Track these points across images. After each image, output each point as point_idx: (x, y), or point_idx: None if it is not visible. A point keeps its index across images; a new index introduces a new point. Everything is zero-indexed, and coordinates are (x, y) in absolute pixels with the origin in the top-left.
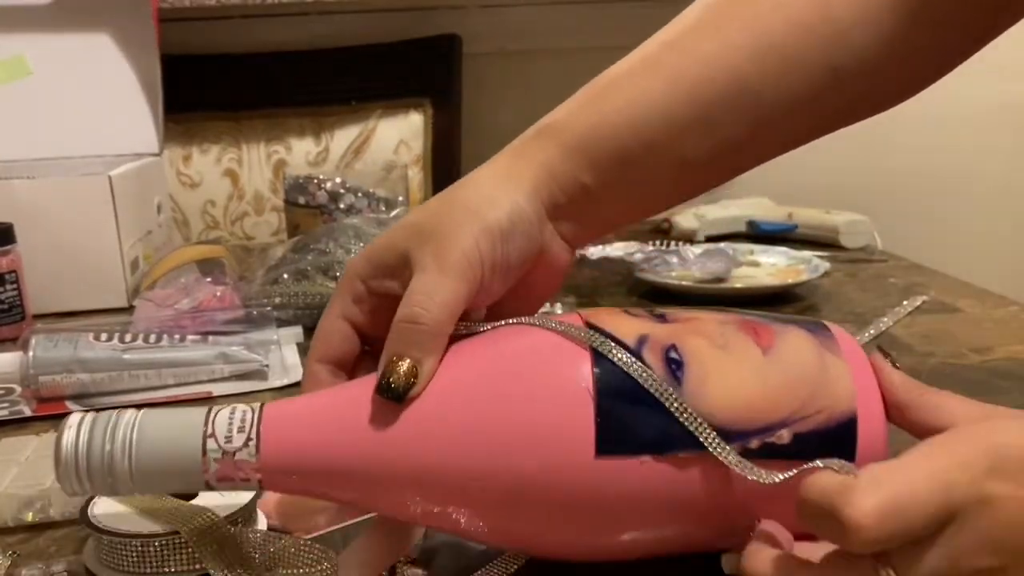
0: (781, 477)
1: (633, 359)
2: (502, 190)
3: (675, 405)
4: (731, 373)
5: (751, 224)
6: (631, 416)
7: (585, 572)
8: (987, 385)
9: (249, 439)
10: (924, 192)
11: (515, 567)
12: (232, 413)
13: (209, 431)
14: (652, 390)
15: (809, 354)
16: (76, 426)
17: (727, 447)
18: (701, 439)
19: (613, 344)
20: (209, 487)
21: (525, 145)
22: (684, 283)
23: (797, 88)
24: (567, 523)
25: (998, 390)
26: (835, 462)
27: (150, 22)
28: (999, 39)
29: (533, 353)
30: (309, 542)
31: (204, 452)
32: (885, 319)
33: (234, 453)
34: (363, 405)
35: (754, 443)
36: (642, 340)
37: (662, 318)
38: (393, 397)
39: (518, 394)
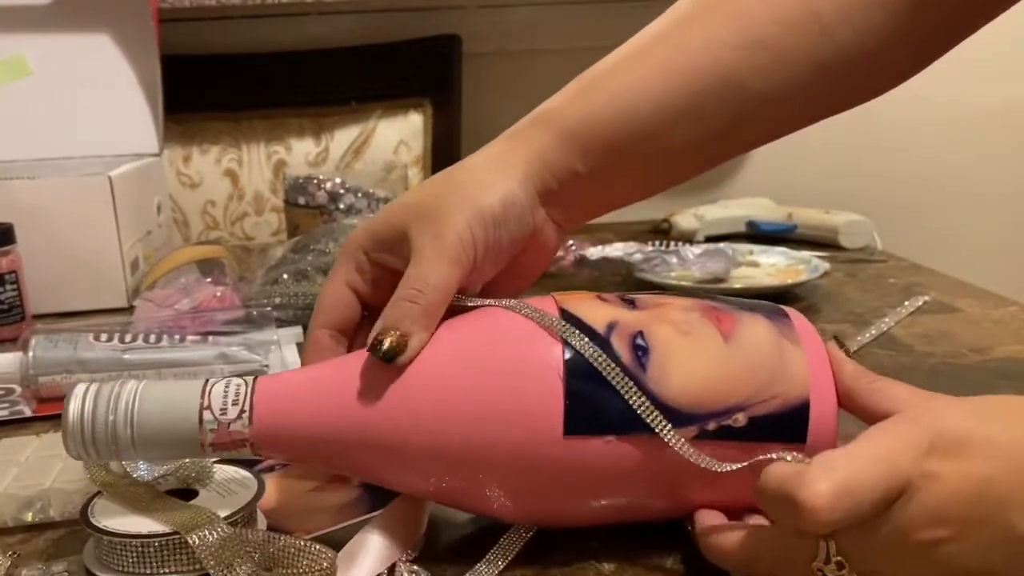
0: (731, 467)
1: (599, 350)
2: (497, 176)
3: (633, 397)
4: (693, 359)
5: (751, 224)
6: (597, 399)
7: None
8: (986, 385)
9: (243, 411)
10: (924, 192)
11: (520, 544)
12: (227, 386)
13: (205, 403)
14: (613, 381)
15: (767, 342)
16: (81, 396)
17: (676, 436)
18: (655, 428)
19: (581, 333)
20: (206, 454)
21: (520, 132)
22: (684, 283)
23: (783, 82)
24: (537, 494)
25: (997, 390)
26: (788, 454)
27: (150, 22)
28: (1000, 40)
29: (510, 337)
30: (309, 542)
31: (200, 422)
32: (885, 319)
33: (228, 424)
34: (350, 379)
35: (711, 425)
36: (611, 326)
37: (632, 304)
38: (383, 358)
39: (494, 373)
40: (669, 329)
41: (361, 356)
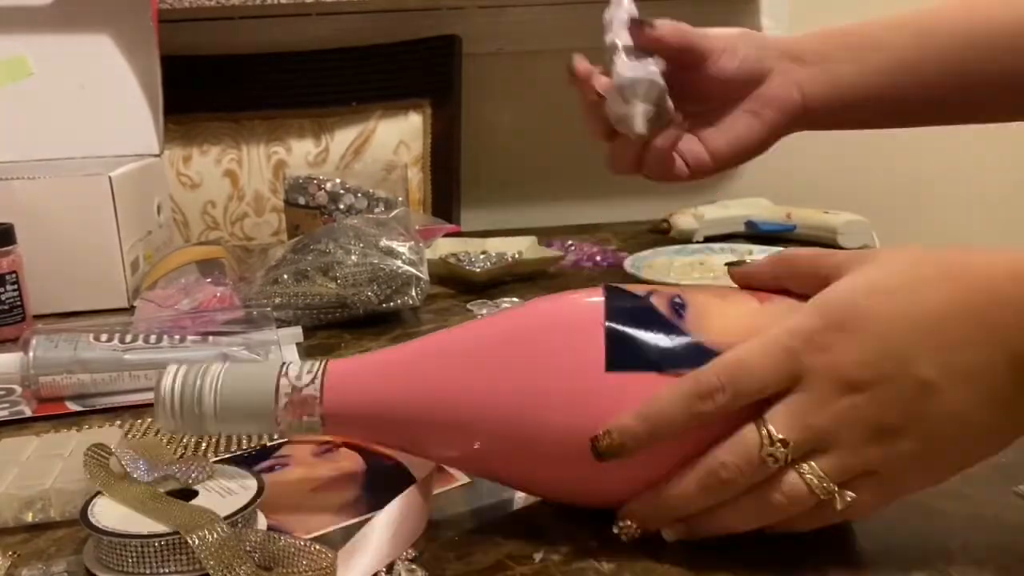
0: None
1: (638, 299)
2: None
3: (673, 335)
4: (728, 313)
5: (750, 224)
6: (637, 338)
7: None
8: None
9: (315, 379)
10: (923, 192)
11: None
12: (302, 364)
13: (283, 372)
14: (652, 321)
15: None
16: (173, 372)
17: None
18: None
19: (621, 288)
20: (278, 425)
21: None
22: (684, 282)
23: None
24: (581, 439)
25: None
26: None
27: (150, 22)
28: None
29: (553, 300)
30: (309, 542)
31: (277, 390)
32: None
33: (301, 390)
34: (412, 359)
35: None
36: (651, 292)
37: (671, 287)
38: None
39: (538, 328)
40: (706, 293)
41: (424, 341)
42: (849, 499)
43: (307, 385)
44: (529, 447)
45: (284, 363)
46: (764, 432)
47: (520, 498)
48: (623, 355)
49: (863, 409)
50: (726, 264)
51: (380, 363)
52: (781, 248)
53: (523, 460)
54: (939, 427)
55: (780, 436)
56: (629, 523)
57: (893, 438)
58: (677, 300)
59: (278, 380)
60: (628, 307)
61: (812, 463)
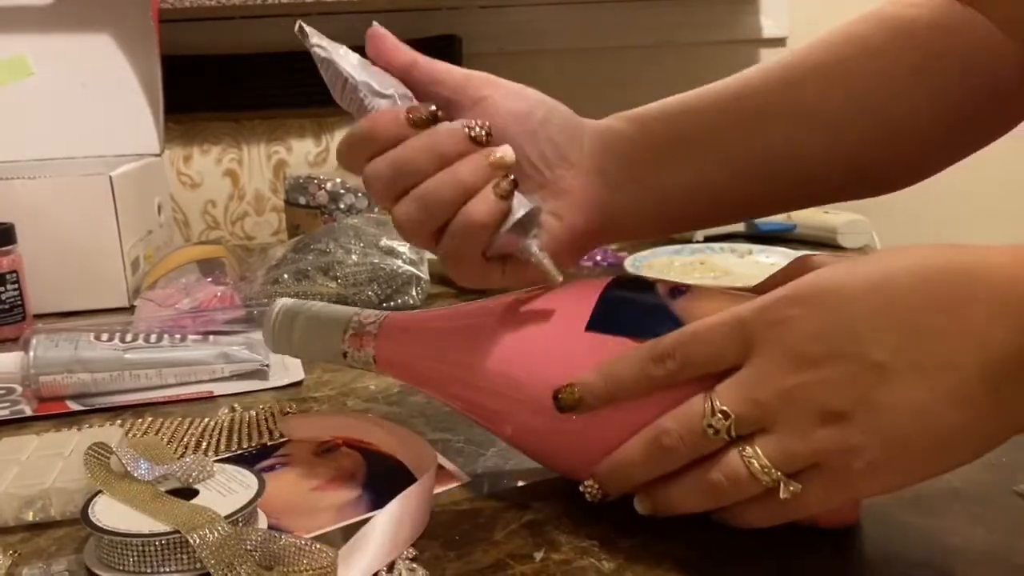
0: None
1: (647, 279)
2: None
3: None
4: (724, 302)
5: (750, 224)
6: (623, 306)
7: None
8: None
9: (375, 322)
10: (923, 192)
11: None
12: (373, 312)
13: (357, 313)
14: (649, 295)
15: None
16: (279, 305)
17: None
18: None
19: (631, 273)
20: (344, 352)
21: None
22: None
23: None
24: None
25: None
26: None
27: (150, 22)
28: None
29: (573, 284)
30: (309, 541)
31: (349, 321)
32: None
33: (366, 325)
34: (456, 318)
35: None
36: (660, 280)
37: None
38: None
39: (552, 294)
40: (715, 290)
41: (459, 308)
42: (792, 489)
43: (370, 323)
44: (518, 398)
45: (361, 310)
46: (708, 403)
47: (520, 497)
48: (604, 318)
49: (810, 388)
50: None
51: (422, 320)
52: (782, 248)
53: (515, 412)
54: (891, 419)
55: (723, 407)
56: (593, 483)
57: (838, 423)
58: (681, 288)
59: (350, 318)
60: (630, 281)
61: (756, 448)
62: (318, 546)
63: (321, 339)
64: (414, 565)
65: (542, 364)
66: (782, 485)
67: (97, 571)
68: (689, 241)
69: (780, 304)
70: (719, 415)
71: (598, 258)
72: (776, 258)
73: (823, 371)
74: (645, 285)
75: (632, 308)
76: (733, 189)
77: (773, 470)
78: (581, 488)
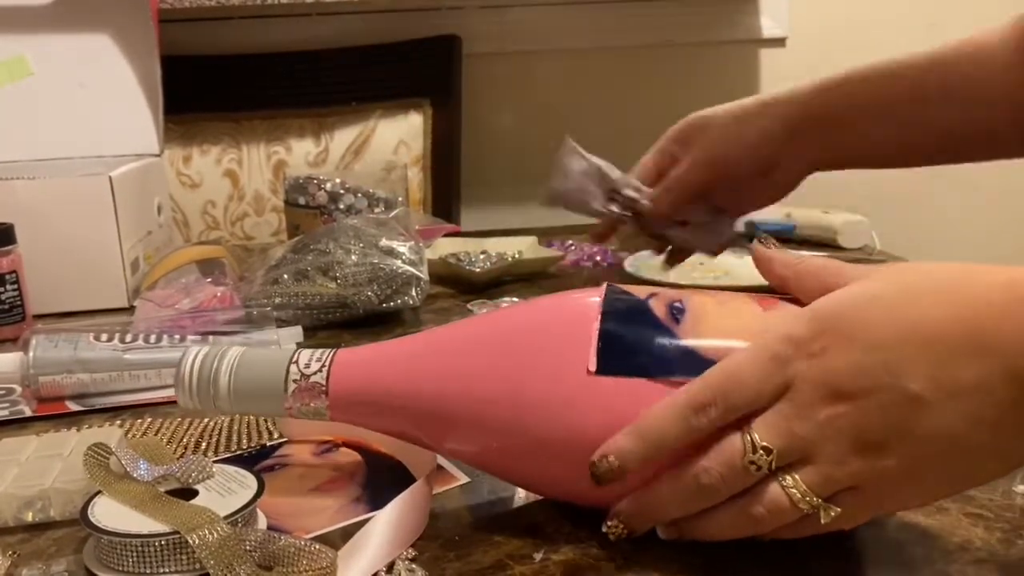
0: None
1: (636, 301)
2: (756, 113)
3: (666, 341)
4: (727, 320)
5: (749, 224)
6: (629, 341)
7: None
8: None
9: (323, 367)
10: (923, 192)
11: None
12: (313, 353)
13: (294, 359)
14: (647, 326)
15: None
16: (194, 353)
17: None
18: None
19: (622, 291)
20: (287, 407)
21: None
22: (683, 282)
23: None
24: (567, 442)
25: None
26: None
27: (150, 22)
28: None
29: (552, 298)
30: (309, 542)
31: (287, 375)
32: None
33: (310, 377)
34: (412, 350)
35: None
36: (652, 295)
37: (674, 287)
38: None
39: (537, 326)
40: (707, 298)
41: (427, 335)
42: (833, 514)
43: (315, 373)
44: (521, 446)
45: (296, 351)
46: (748, 439)
47: (520, 498)
48: (612, 359)
49: (848, 418)
50: (756, 240)
51: (384, 355)
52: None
53: (517, 458)
54: (926, 446)
55: (763, 443)
56: (616, 523)
57: (877, 453)
58: (677, 305)
59: (288, 367)
60: (624, 309)
61: (795, 476)
62: (317, 547)
63: (254, 400)
64: (413, 566)
65: (552, 412)
66: (822, 511)
67: (96, 572)
68: None
69: (814, 339)
70: (761, 451)
71: (598, 258)
72: None
73: (860, 403)
74: (639, 307)
75: (638, 342)
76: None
77: (814, 498)
78: (604, 529)
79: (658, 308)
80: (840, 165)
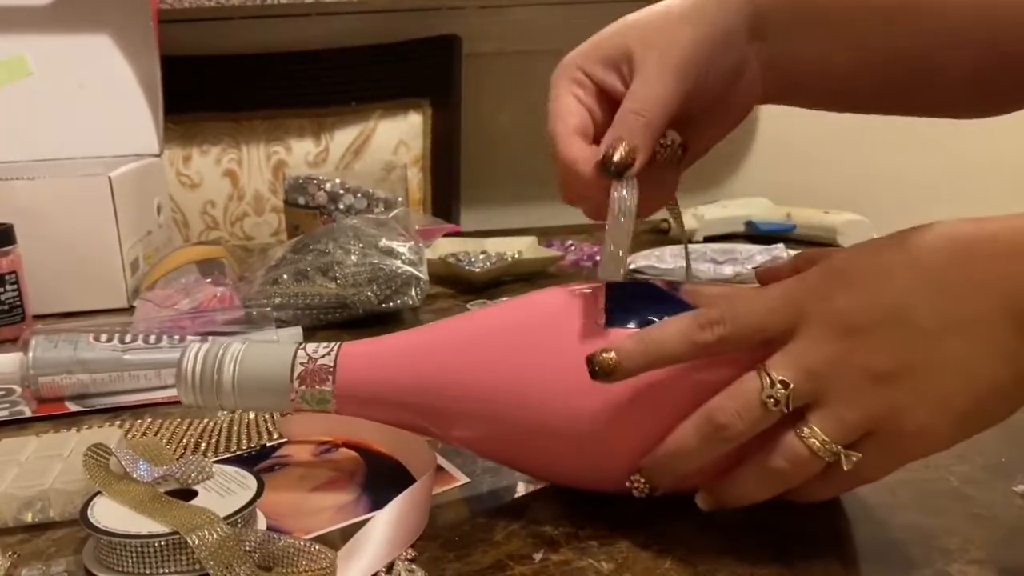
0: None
1: (638, 277)
2: (714, 7)
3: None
4: (726, 289)
5: (750, 224)
6: (639, 301)
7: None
8: None
9: (330, 352)
10: (923, 192)
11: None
12: (319, 344)
13: (301, 347)
14: (652, 290)
15: None
16: (195, 348)
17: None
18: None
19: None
20: (292, 398)
21: None
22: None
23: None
24: (572, 426)
25: None
26: None
27: (150, 22)
28: None
29: (554, 291)
30: (309, 542)
31: (294, 360)
32: None
33: (318, 359)
34: (418, 339)
35: None
36: (653, 279)
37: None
38: (613, 173)
39: (539, 315)
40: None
41: (433, 327)
42: (854, 459)
43: (323, 356)
44: (527, 430)
45: (301, 343)
46: (764, 376)
47: (520, 497)
48: (622, 312)
49: (859, 353)
50: (754, 268)
51: (390, 345)
52: (781, 245)
53: (522, 443)
54: (935, 376)
55: (780, 377)
56: (639, 478)
57: (888, 384)
58: (673, 283)
59: (295, 353)
60: (628, 284)
61: (812, 426)
62: (317, 547)
63: (260, 388)
64: (413, 566)
65: (554, 393)
66: (843, 457)
67: (96, 572)
68: (689, 241)
69: (823, 282)
70: (778, 385)
71: (598, 258)
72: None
73: (869, 338)
74: (641, 283)
75: (645, 301)
76: (860, 77)
77: (832, 444)
78: (628, 484)
79: (657, 282)
80: (792, 85)
